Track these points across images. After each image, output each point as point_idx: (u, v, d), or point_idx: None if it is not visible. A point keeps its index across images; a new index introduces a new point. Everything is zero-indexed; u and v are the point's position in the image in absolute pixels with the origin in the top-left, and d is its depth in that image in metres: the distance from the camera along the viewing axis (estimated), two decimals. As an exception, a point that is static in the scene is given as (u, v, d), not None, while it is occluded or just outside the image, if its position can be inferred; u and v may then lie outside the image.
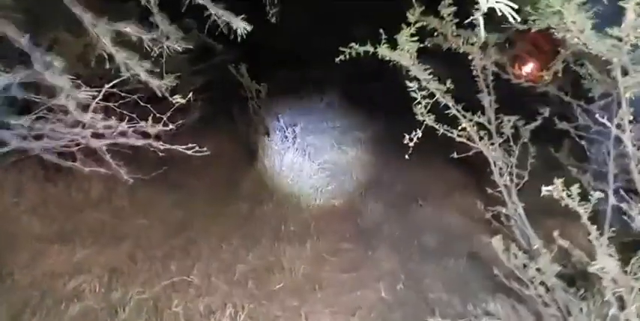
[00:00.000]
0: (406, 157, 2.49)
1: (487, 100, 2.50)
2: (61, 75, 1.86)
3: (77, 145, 2.34)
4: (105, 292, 3.19)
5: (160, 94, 2.18)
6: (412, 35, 2.27)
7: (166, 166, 5.71)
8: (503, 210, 2.45)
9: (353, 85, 8.38)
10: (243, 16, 2.09)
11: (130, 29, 1.98)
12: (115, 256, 3.73)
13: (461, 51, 2.55)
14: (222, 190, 5.56)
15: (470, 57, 2.55)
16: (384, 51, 2.29)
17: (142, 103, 2.54)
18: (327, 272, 3.67)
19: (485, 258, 3.58)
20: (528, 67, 5.42)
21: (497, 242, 2.20)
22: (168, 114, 2.61)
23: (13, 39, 1.81)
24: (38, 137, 2.29)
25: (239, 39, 2.24)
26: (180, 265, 3.68)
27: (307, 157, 6.38)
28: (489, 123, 2.48)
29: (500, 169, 2.47)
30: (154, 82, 2.11)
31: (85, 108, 2.16)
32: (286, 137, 6.15)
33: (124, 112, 2.26)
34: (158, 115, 2.35)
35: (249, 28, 2.12)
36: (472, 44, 2.47)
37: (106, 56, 2.04)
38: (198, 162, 4.76)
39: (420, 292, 3.23)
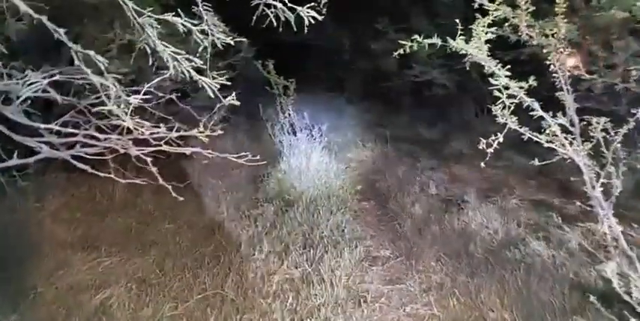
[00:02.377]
0: (482, 164, 2.17)
1: (569, 99, 2.19)
2: (108, 74, 1.61)
3: (112, 152, 2.08)
4: (135, 308, 2.95)
5: (212, 95, 1.92)
6: (489, 26, 1.97)
7: (190, 168, 5.53)
8: (599, 227, 2.14)
9: (374, 83, 8.11)
10: (310, 4, 1.82)
11: (177, 20, 1.72)
12: (142, 264, 3.51)
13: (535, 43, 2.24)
14: (248, 192, 5.33)
15: (545, 50, 2.23)
16: (460, 44, 1.99)
17: (180, 105, 2.29)
18: (369, 284, 3.41)
19: (543, 270, 3.30)
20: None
21: (611, 269, 1.90)
22: (214, 116, 2.36)
23: (51, 31, 1.55)
24: (69, 144, 2.05)
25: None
26: (213, 275, 3.44)
27: (334, 156, 6.13)
28: (572, 125, 2.17)
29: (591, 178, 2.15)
30: (205, 81, 1.85)
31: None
32: (312, 135, 5.88)
33: (160, 113, 2.01)
34: (198, 117, 2.09)
35: (319, 17, 1.85)
36: (552, 35, 2.16)
37: (149, 51, 1.79)
38: (222, 162, 4.53)
39: (477, 309, 2.94)
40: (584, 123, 2.16)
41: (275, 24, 2.21)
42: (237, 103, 2.03)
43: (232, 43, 2.22)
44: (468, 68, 2.27)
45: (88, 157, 2.04)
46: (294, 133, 5.72)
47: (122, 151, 1.74)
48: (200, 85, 1.98)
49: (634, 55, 3.18)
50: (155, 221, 4.15)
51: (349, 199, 5.07)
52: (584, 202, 2.21)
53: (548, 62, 2.22)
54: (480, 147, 2.18)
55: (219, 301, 3.10)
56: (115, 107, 1.57)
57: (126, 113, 1.57)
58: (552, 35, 2.16)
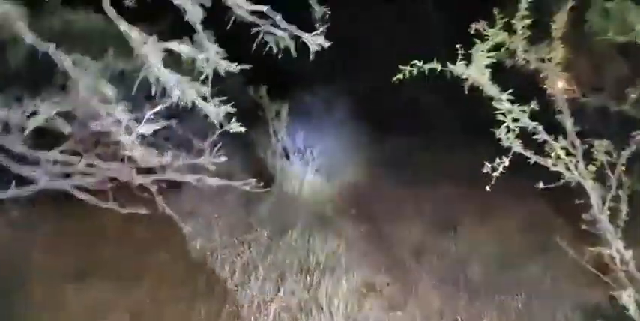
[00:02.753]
0: (487, 188, 2.18)
1: (569, 121, 2.23)
2: (116, 104, 1.59)
3: (112, 181, 2.04)
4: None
5: (217, 124, 1.91)
6: (488, 51, 2.01)
7: (182, 195, 5.46)
8: (607, 251, 2.13)
9: (364, 104, 8.18)
10: (317, 32, 1.84)
11: (182, 48, 1.73)
12: (136, 296, 3.40)
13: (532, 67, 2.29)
14: (241, 217, 5.26)
15: (542, 75, 2.29)
16: (459, 68, 2.03)
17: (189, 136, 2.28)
18: (369, 311, 3.35)
19: (543, 293, 3.29)
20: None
21: (627, 298, 1.88)
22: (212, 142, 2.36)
23: (57, 61, 1.54)
24: (68, 174, 2.00)
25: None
26: (208, 304, 3.34)
27: (327, 180, 6.11)
28: (574, 148, 2.20)
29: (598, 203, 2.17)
30: (211, 110, 1.85)
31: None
32: (305, 159, 5.88)
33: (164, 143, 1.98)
34: (200, 145, 2.08)
35: (326, 44, 1.87)
36: (548, 60, 2.21)
37: (154, 80, 1.78)
38: (213, 188, 4.48)
39: (480, 335, 2.91)
40: (586, 146, 2.20)
41: (275, 51, 2.24)
42: (243, 129, 2.02)
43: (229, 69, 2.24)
44: (467, 92, 2.30)
45: (87, 187, 2.00)
46: (287, 157, 5.71)
47: (124, 180, 1.70)
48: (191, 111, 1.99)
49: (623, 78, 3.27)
50: (148, 250, 4.04)
51: (344, 224, 5.03)
52: (588, 226, 2.22)
53: (544, 86, 2.27)
54: (485, 171, 2.19)
55: (217, 333, 3.01)
56: (126, 137, 1.54)
57: (134, 143, 1.54)
58: (549, 59, 2.22)
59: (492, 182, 2.13)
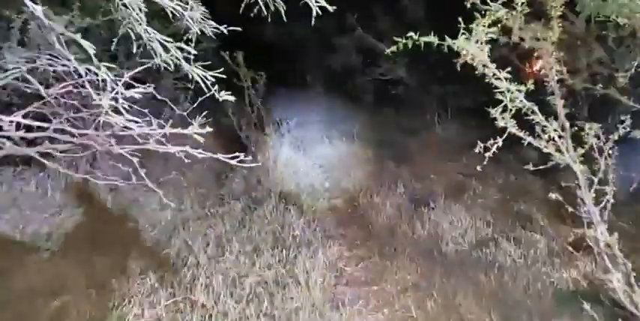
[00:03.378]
0: (478, 168, 2.13)
1: (560, 103, 2.18)
2: (99, 62, 1.39)
3: (85, 149, 1.84)
4: (95, 316, 2.73)
5: (205, 89, 1.75)
6: (489, 26, 1.91)
7: (149, 163, 5.23)
8: (592, 232, 2.14)
9: (339, 80, 8.04)
10: None
11: (167, 2, 1.52)
12: (102, 267, 3.26)
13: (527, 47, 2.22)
14: (213, 189, 5.11)
15: (536, 54, 2.22)
16: (461, 43, 1.92)
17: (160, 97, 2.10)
18: (346, 286, 3.33)
19: (515, 271, 3.35)
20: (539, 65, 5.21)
21: (618, 282, 1.89)
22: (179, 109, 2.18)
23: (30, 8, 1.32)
24: (34, 141, 1.79)
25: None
26: (180, 278, 3.24)
27: (302, 153, 6.00)
28: (562, 130, 2.16)
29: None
30: (198, 73, 1.68)
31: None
32: (280, 131, 5.73)
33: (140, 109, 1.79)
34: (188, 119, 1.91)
35: (330, 8, 1.71)
36: (544, 39, 2.14)
37: (133, 36, 1.58)
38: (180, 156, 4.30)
39: (455, 311, 2.93)
40: (575, 128, 2.17)
41: (265, 13, 2.08)
42: (232, 98, 1.86)
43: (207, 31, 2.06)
44: (459, 69, 2.21)
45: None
46: (262, 129, 5.54)
47: (99, 148, 1.52)
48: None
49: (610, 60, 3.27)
50: (114, 220, 3.87)
51: (318, 197, 4.97)
52: (574, 208, 2.22)
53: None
54: (477, 150, 2.13)
55: (188, 306, 2.92)
56: (108, 100, 1.36)
57: (117, 110, 1.35)
58: (544, 39, 2.14)
59: (484, 162, 2.06)
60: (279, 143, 5.63)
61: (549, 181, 4.88)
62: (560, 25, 2.09)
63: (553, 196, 2.37)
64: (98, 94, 1.35)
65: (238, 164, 5.90)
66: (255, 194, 4.95)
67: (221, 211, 4.52)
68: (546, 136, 2.08)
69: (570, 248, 2.69)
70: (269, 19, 2.17)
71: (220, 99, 1.79)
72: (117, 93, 1.35)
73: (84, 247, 3.37)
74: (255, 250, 3.74)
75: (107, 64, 1.39)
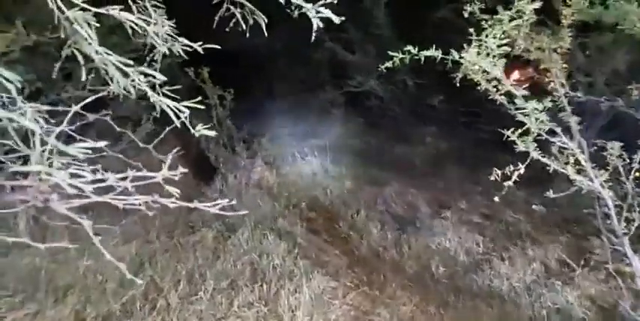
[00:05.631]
0: (496, 199, 1.88)
1: (573, 120, 1.99)
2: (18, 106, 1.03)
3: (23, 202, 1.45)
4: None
5: (178, 123, 1.43)
6: (501, 38, 1.69)
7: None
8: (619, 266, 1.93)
9: (309, 93, 7.80)
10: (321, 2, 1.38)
11: (126, 15, 1.21)
12: (57, 317, 2.83)
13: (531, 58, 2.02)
14: (181, 215, 4.71)
15: (542, 66, 2.02)
16: (471, 57, 1.69)
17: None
18: (336, 322, 3.03)
19: (516, 296, 3.14)
20: (515, 75, 5.12)
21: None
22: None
23: None
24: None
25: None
26: (148, 325, 2.85)
27: (275, 172, 5.68)
28: (580, 149, 1.96)
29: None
30: (169, 104, 1.36)
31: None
32: (252, 149, 5.40)
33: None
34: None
35: (337, 20, 1.43)
36: (553, 50, 1.94)
37: (82, 61, 1.25)
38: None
39: (460, 348, 2.68)
40: (595, 148, 1.98)
41: (244, 27, 1.79)
42: (212, 133, 1.55)
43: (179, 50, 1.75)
44: (458, 84, 1.98)
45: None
46: (232, 148, 5.19)
47: (40, 204, 1.18)
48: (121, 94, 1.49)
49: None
50: (70, 259, 3.43)
51: (297, 220, 4.65)
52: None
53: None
54: (492, 178, 1.89)
55: (160, 361, 2.55)
56: (37, 157, 0.99)
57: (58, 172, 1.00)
58: (554, 50, 1.95)
59: (503, 192, 1.82)
60: (251, 162, 5.29)
61: (531, 192, 4.78)
62: (571, 34, 1.91)
63: (537, 208, 2.17)
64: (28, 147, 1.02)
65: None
66: (228, 220, 4.58)
67: (191, 240, 4.14)
68: (564, 158, 1.87)
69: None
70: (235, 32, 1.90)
71: (197, 134, 1.47)
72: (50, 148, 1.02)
73: (35, 292, 2.93)
74: (232, 285, 3.39)
75: (37, 106, 1.02)
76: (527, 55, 2.03)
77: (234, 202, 1.47)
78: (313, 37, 1.62)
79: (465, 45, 1.84)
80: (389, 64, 1.89)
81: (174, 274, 3.53)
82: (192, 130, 1.39)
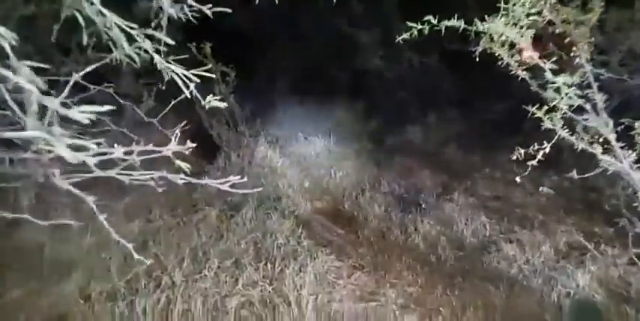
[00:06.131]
0: (517, 179, 1.82)
1: (599, 97, 1.89)
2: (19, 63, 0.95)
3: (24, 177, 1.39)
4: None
5: (185, 89, 1.35)
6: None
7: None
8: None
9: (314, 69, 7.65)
10: None
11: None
12: (61, 294, 2.81)
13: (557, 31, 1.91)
14: (183, 194, 4.66)
15: (567, 40, 1.92)
16: (498, 27, 1.59)
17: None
18: (340, 303, 3.00)
19: (525, 278, 3.11)
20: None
21: None
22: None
23: None
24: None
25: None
26: (153, 302, 2.83)
27: (278, 151, 5.61)
28: (606, 127, 1.87)
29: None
30: (177, 70, 1.28)
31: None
32: (254, 129, 5.30)
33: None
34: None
35: None
36: (581, 23, 1.84)
37: (83, 24, 1.16)
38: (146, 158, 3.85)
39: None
40: (622, 126, 1.90)
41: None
42: (223, 104, 1.47)
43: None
44: (477, 59, 1.89)
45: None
46: (235, 126, 5.10)
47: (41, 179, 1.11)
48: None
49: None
50: (76, 235, 3.39)
51: (300, 199, 4.61)
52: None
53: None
54: (515, 157, 1.82)
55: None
56: (37, 123, 0.91)
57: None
58: (582, 23, 1.85)
59: (526, 172, 1.76)
60: (254, 141, 5.21)
61: (538, 172, 4.72)
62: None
63: (545, 190, 2.12)
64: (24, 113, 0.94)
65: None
66: (231, 199, 4.53)
67: (195, 219, 4.10)
68: (589, 137, 1.79)
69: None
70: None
71: (207, 106, 1.40)
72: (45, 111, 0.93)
73: (40, 269, 2.90)
74: (236, 264, 3.37)
75: (31, 64, 0.93)
76: (552, 28, 1.92)
77: (245, 180, 1.39)
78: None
79: (485, 17, 1.74)
80: (406, 35, 1.80)
81: (177, 252, 3.49)
82: (203, 101, 1.30)
